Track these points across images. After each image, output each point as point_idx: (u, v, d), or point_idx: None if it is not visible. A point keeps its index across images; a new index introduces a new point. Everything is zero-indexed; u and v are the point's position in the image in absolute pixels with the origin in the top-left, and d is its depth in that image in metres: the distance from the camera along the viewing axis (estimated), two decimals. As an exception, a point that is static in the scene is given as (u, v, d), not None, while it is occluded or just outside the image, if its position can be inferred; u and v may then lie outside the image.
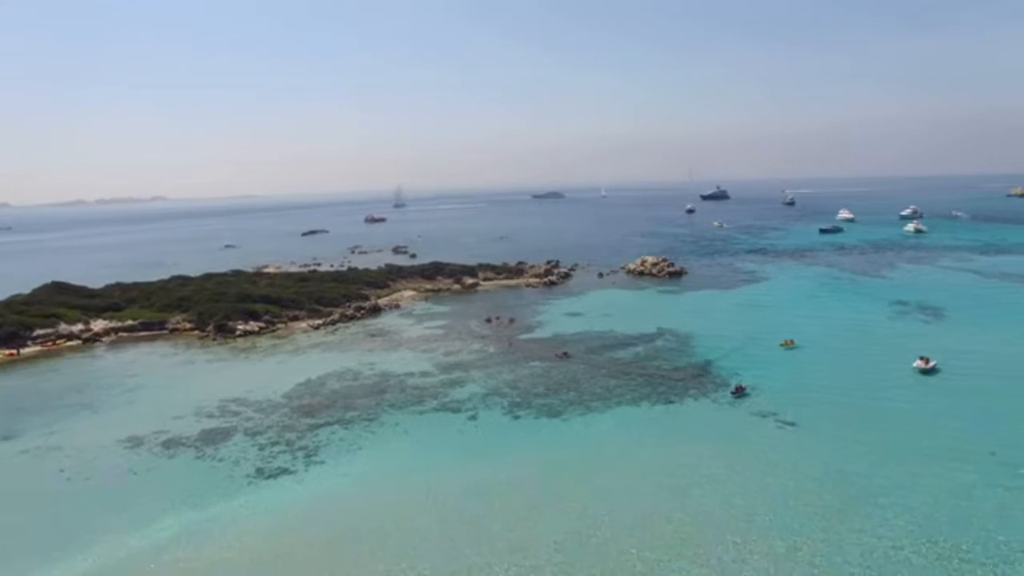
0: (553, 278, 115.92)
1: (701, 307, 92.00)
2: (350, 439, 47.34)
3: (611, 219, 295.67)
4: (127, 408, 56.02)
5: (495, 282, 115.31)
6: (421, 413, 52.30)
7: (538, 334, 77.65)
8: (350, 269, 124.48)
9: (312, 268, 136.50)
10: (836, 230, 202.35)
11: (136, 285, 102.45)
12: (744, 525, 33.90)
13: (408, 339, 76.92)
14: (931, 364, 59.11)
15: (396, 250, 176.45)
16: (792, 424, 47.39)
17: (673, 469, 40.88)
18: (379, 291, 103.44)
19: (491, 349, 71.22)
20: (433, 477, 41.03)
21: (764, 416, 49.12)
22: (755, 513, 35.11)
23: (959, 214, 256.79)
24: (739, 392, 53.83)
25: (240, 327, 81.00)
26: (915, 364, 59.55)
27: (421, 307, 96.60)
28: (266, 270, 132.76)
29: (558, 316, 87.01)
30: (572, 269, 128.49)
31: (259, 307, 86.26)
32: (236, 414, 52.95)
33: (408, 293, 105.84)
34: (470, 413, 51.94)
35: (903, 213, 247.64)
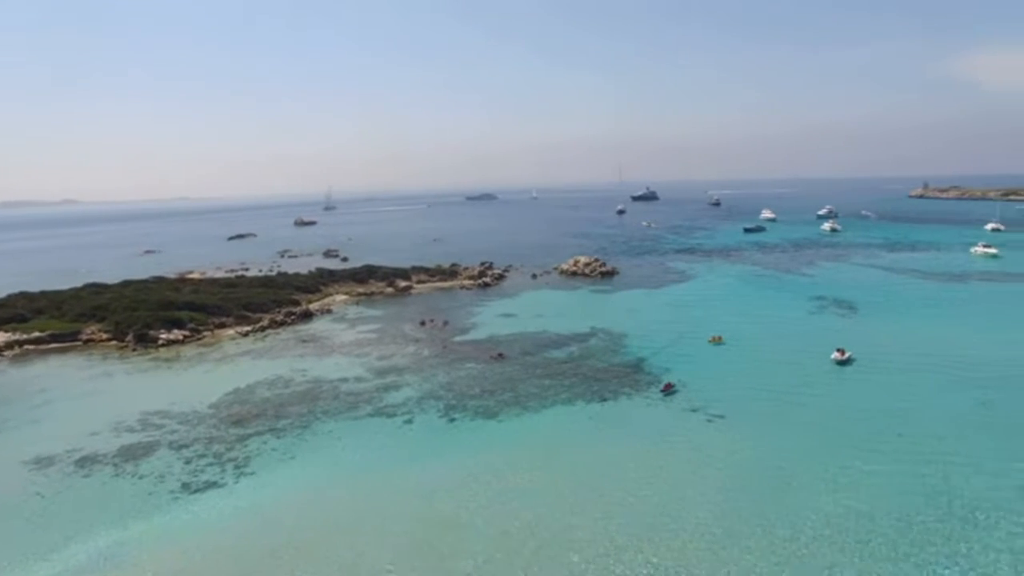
0: (487, 279, 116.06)
1: (633, 306, 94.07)
2: (282, 448, 45.98)
3: (544, 220, 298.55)
4: (33, 426, 52.41)
5: (429, 284, 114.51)
6: (355, 419, 51.35)
7: (473, 336, 77.58)
8: (280, 274, 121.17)
9: (239, 273, 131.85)
10: (759, 229, 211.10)
11: (44, 294, 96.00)
12: (679, 516, 34.99)
13: (341, 344, 75.40)
14: (847, 355, 62.61)
15: (327, 254, 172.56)
16: (721, 417, 49.15)
17: (608, 466, 41.68)
18: (310, 296, 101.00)
19: (425, 352, 70.66)
20: (368, 483, 40.47)
21: (695, 410, 50.72)
22: (689, 505, 36.29)
23: (868, 214, 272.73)
24: (668, 390, 55.10)
25: (163, 336, 77.31)
26: (833, 356, 62.92)
27: (354, 311, 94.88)
28: (190, 276, 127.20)
29: (493, 317, 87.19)
30: (506, 270, 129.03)
31: (183, 315, 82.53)
32: (159, 427, 50.52)
33: (340, 297, 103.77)
34: (405, 417, 51.37)
35: (820, 213, 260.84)
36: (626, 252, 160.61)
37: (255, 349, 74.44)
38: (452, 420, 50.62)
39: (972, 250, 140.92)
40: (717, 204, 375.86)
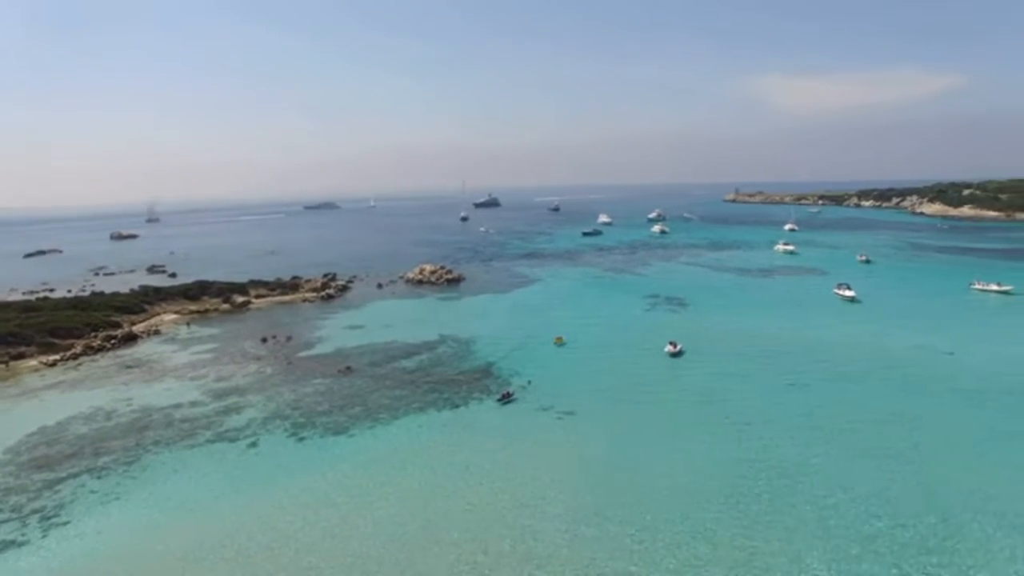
0: (331, 291, 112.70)
1: (480, 311, 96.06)
2: (104, 489, 41.60)
3: (387, 229, 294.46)
4: None
5: (269, 299, 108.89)
6: (192, 447, 47.77)
7: (319, 350, 75.09)
8: (94, 294, 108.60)
9: (43, 295, 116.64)
10: (596, 233, 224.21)
11: None
12: (538, 511, 36.66)
13: (173, 367, 69.56)
14: (678, 348, 68.69)
15: (152, 270, 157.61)
16: (570, 414, 51.98)
17: (464, 471, 42.52)
18: (133, 316, 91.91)
19: (269, 370, 67.31)
20: (212, 516, 37.87)
21: (545, 410, 53.10)
22: (545, 498, 38.16)
23: (690, 216, 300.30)
24: (506, 398, 55.72)
25: (-56, 373, 66.63)
26: (666, 349, 68.71)
27: (186, 331, 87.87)
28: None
29: (339, 330, 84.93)
30: (350, 281, 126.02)
31: (-31, 346, 71.63)
32: (-55, 479, 43.58)
33: (169, 317, 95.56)
34: (250, 440, 48.67)
35: (650, 216, 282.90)
36: (471, 258, 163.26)
37: (66, 380, 66.44)
38: (301, 439, 48.75)
39: (775, 248, 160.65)
40: (556, 210, 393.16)
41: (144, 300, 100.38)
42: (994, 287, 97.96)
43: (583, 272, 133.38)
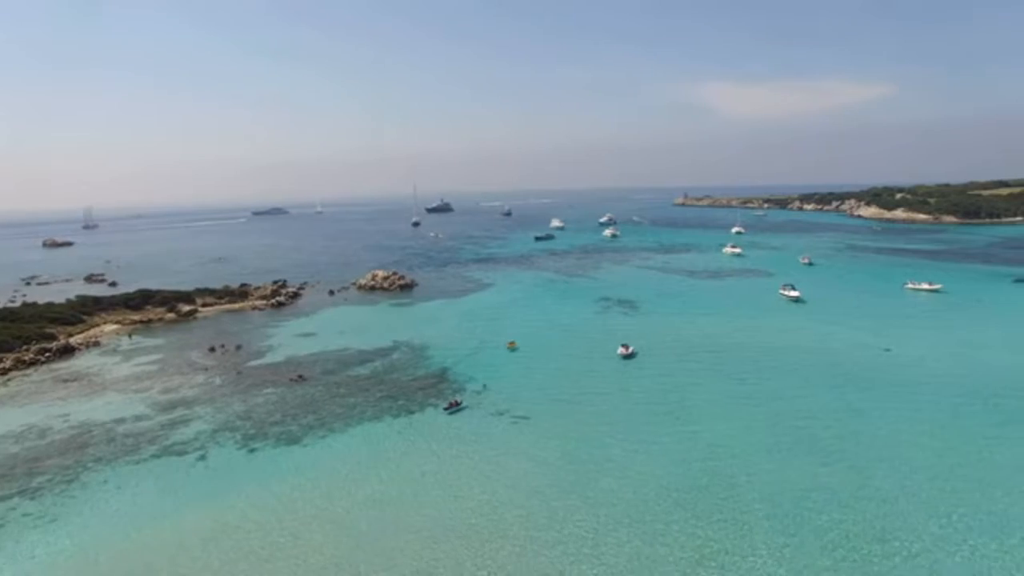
0: (281, 299, 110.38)
1: (433, 317, 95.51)
2: (39, 512, 39.59)
3: (338, 235, 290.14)
4: None
5: (217, 307, 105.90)
6: (137, 463, 46.00)
7: (270, 359, 73.38)
8: (26, 304, 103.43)
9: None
10: (549, 237, 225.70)
11: None
12: (497, 513, 36.71)
13: (114, 380, 66.85)
14: (630, 350, 69.73)
15: (90, 279, 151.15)
16: (525, 418, 52.11)
17: (423, 477, 42.24)
18: (70, 328, 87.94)
19: (218, 380, 65.42)
20: (157, 533, 36.53)
21: (500, 414, 53.14)
22: (502, 503, 38.18)
23: (639, 220, 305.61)
24: (453, 407, 54.68)
25: None
26: (618, 352, 69.66)
27: (128, 342, 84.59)
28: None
29: (290, 338, 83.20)
30: (301, 288, 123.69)
31: None
32: None
33: (110, 327, 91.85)
34: (198, 453, 47.19)
35: (601, 220, 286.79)
36: (424, 264, 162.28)
37: (-2, 396, 63.13)
38: (252, 450, 47.52)
39: (723, 250, 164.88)
40: (508, 214, 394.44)
41: (82, 311, 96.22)
42: (925, 286, 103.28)
43: (536, 276, 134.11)
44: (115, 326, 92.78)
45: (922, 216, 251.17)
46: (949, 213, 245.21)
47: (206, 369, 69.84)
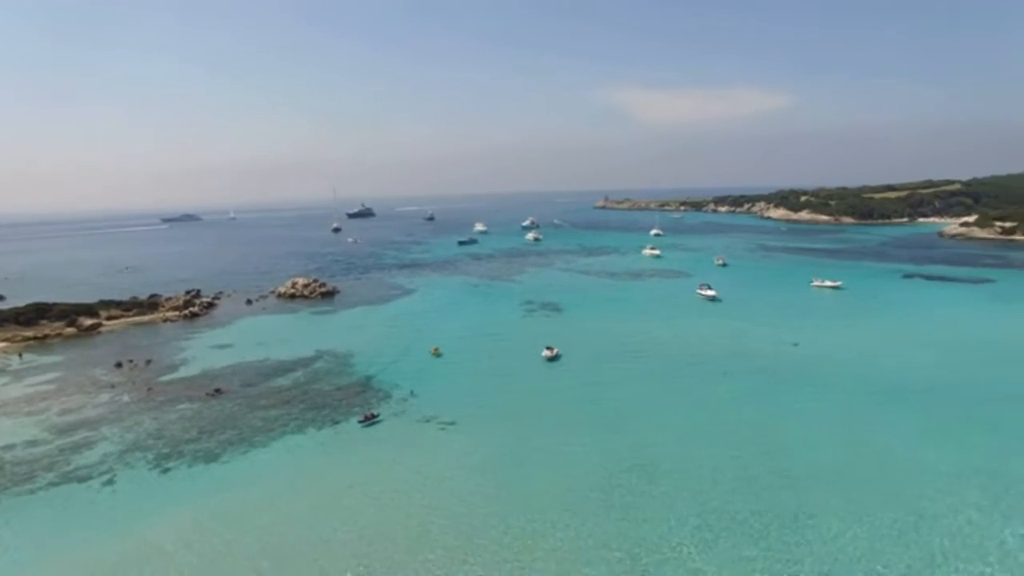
0: (195, 309, 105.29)
1: (356, 324, 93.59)
2: (-80, 548, 36.04)
3: (255, 241, 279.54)
4: None
5: (124, 320, 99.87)
6: (31, 492, 42.67)
7: (183, 373, 69.84)
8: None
9: None
10: (472, 241, 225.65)
11: None
12: (426, 522, 36.28)
13: (1, 403, 61.78)
14: (555, 352, 70.63)
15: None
16: (452, 424, 51.81)
17: (348, 489, 41.18)
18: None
19: (126, 398, 61.68)
20: (49, 570, 33.86)
21: (427, 421, 52.64)
22: (434, 508, 37.86)
23: (560, 223, 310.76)
24: (368, 420, 53.20)
25: None
26: (543, 354, 70.35)
27: (18, 361, 78.39)
28: None
29: (205, 350, 79.48)
30: (217, 297, 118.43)
31: None
32: None
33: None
34: (104, 478, 44.28)
35: (524, 224, 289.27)
36: (346, 270, 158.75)
37: None
38: (166, 471, 45.03)
39: (642, 252, 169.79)
40: (431, 219, 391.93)
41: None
42: (828, 283, 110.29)
43: (460, 281, 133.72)
44: (3, 344, 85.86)
45: (824, 217, 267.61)
46: (847, 215, 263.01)
47: (112, 386, 65.71)
